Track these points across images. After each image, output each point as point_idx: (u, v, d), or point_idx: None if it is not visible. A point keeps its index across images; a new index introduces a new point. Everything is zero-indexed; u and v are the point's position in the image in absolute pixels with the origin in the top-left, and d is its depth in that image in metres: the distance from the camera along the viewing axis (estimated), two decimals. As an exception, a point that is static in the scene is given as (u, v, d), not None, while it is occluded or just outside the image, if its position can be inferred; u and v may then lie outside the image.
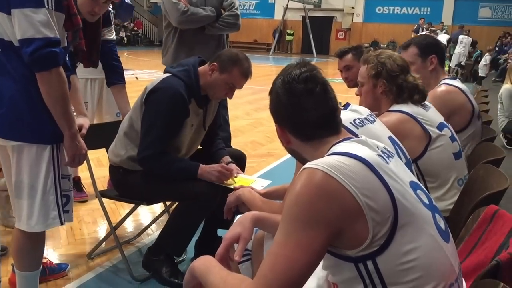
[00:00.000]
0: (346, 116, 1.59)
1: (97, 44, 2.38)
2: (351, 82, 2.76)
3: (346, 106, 1.79)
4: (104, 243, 2.71)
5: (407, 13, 23.41)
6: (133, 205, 2.63)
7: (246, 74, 2.33)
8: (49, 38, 1.65)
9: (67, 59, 1.88)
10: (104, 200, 2.52)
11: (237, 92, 2.43)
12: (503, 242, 1.31)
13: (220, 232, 2.66)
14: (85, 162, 2.05)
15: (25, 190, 1.81)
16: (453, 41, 14.85)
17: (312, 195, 1.04)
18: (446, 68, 14.95)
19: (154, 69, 12.72)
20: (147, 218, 3.23)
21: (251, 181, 2.35)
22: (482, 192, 1.65)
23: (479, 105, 3.64)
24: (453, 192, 2.06)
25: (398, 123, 1.97)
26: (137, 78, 10.07)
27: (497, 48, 16.22)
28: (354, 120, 1.67)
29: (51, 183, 1.83)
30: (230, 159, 2.51)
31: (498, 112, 5.81)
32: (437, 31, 15.84)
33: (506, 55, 13.90)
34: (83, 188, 3.49)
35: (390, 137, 1.72)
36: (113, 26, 2.76)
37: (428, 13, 22.13)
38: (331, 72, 12.94)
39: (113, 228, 2.52)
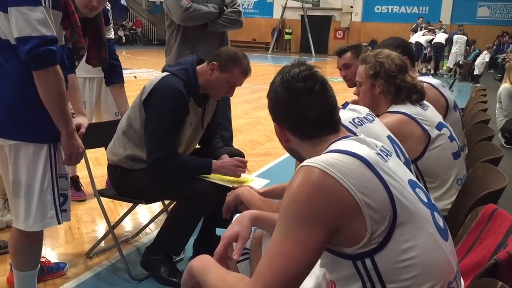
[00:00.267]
0: (345, 115, 1.59)
1: (103, 41, 2.37)
2: (350, 81, 2.75)
3: (345, 105, 1.79)
4: (102, 242, 2.71)
5: (406, 12, 23.42)
6: (132, 204, 2.63)
7: (246, 72, 2.34)
8: (46, 37, 1.65)
9: (64, 58, 1.87)
10: (103, 199, 2.52)
11: (235, 91, 2.43)
12: (501, 241, 1.31)
13: (218, 231, 2.66)
14: (83, 161, 2.05)
15: (23, 190, 1.80)
16: (449, 42, 14.83)
17: (309, 193, 1.04)
18: (445, 68, 14.99)
19: (152, 68, 12.72)
20: (145, 217, 3.22)
21: (249, 180, 2.36)
22: (480, 191, 1.65)
23: (477, 105, 3.66)
24: (453, 192, 2.06)
25: (398, 124, 1.96)
26: (135, 77, 10.06)
27: (494, 47, 16.24)
28: (353, 119, 1.67)
29: (49, 182, 1.82)
30: (228, 158, 2.51)
31: (496, 111, 5.81)
32: (435, 30, 15.87)
33: (504, 54, 13.91)
34: (82, 187, 3.49)
35: (389, 136, 1.72)
36: (111, 25, 2.76)
37: (427, 12, 22.15)
38: (329, 71, 12.95)
39: (112, 227, 2.52)
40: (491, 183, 1.69)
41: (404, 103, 2.07)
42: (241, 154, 2.73)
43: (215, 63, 2.32)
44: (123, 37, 23.40)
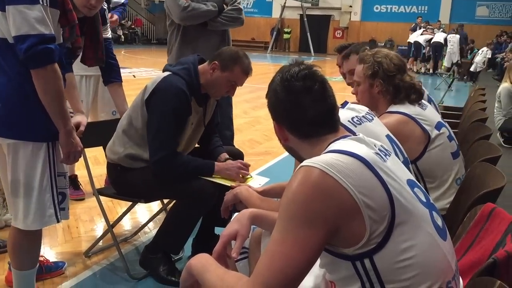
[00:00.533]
0: (344, 114, 1.59)
1: (100, 41, 2.37)
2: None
3: (344, 104, 1.79)
4: (101, 241, 2.70)
5: (405, 11, 23.42)
6: (131, 203, 2.63)
7: (247, 71, 2.35)
8: (44, 35, 1.64)
9: (62, 56, 1.87)
10: (101, 198, 2.52)
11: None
12: (500, 240, 1.32)
13: (217, 230, 2.65)
14: (82, 160, 2.05)
15: (21, 189, 1.80)
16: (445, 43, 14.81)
17: (309, 193, 1.04)
18: (443, 68, 14.99)
19: (151, 67, 12.71)
20: (144, 216, 3.22)
21: (249, 178, 2.36)
22: (479, 190, 1.65)
23: (476, 104, 3.66)
24: (452, 192, 2.06)
25: (398, 125, 1.96)
26: (134, 76, 10.05)
27: (492, 47, 16.25)
28: (352, 118, 1.66)
29: (47, 181, 1.82)
30: (227, 156, 2.51)
31: (495, 110, 5.82)
32: (434, 30, 15.87)
33: (503, 53, 13.92)
34: (80, 186, 3.49)
35: (387, 136, 1.72)
36: (108, 24, 2.75)
37: (426, 11, 22.15)
38: (328, 71, 12.95)
39: (110, 226, 2.52)
40: (489, 182, 1.70)
41: (403, 103, 2.07)
42: (240, 154, 2.73)
43: (216, 62, 2.32)
44: (122, 36, 23.37)
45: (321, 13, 24.73)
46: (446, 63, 14.86)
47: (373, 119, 1.76)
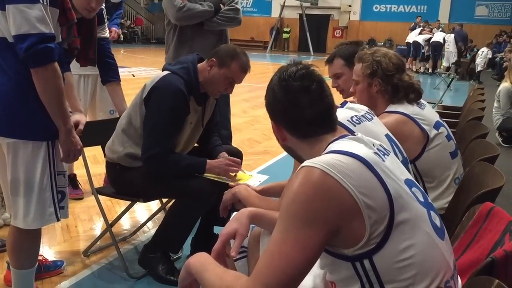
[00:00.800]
0: (343, 114, 1.59)
1: (93, 42, 2.37)
2: (344, 93, 2.41)
3: (343, 104, 1.79)
4: (100, 240, 2.70)
5: (404, 11, 23.42)
6: (129, 202, 2.63)
7: (245, 68, 2.34)
8: (44, 34, 1.64)
9: (61, 55, 1.87)
10: (100, 197, 2.51)
11: (234, 89, 2.43)
12: (498, 239, 1.32)
13: (216, 229, 2.65)
14: (81, 159, 2.05)
15: (22, 188, 1.80)
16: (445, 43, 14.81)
17: (309, 193, 1.04)
18: (442, 67, 15.00)
19: (151, 67, 12.70)
20: (143, 216, 3.22)
21: (248, 176, 2.35)
22: (477, 189, 1.65)
23: (475, 103, 3.66)
24: (450, 191, 2.06)
25: (397, 125, 1.96)
26: (133, 75, 10.05)
27: (492, 46, 16.25)
28: (351, 117, 1.66)
29: (47, 180, 1.82)
30: (226, 155, 2.51)
31: (493, 110, 5.83)
32: (433, 29, 15.88)
33: (502, 53, 13.93)
34: (79, 185, 3.48)
35: (387, 135, 1.72)
36: (106, 24, 2.75)
37: (425, 11, 22.15)
38: (327, 71, 12.90)
39: (109, 226, 2.52)
40: (488, 181, 1.70)
41: (402, 103, 2.07)
42: (239, 153, 2.73)
43: (213, 59, 2.32)
44: (121, 36, 23.32)
45: (320, 13, 24.73)
46: (445, 62, 14.88)
47: (372, 118, 1.76)
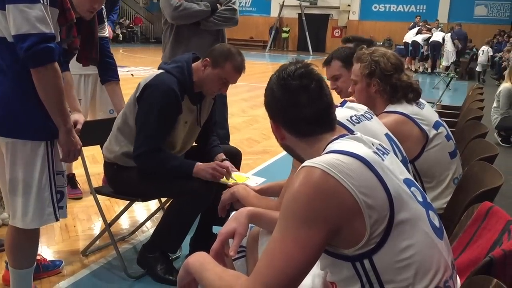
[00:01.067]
0: (342, 113, 1.59)
1: (95, 41, 2.37)
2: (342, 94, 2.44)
3: (343, 103, 1.78)
4: (98, 240, 2.70)
5: (403, 11, 23.42)
6: (128, 202, 2.63)
7: (239, 68, 2.31)
8: (44, 34, 1.64)
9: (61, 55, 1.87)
10: (99, 197, 2.51)
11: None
12: (497, 238, 1.32)
13: (215, 229, 2.65)
14: (80, 158, 2.05)
15: (20, 187, 1.80)
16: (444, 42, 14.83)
17: (310, 193, 1.04)
18: (442, 67, 15.01)
19: (150, 66, 12.67)
20: (142, 215, 3.22)
21: (245, 178, 2.35)
22: (476, 189, 1.65)
23: (474, 103, 3.67)
24: (449, 191, 2.06)
25: (396, 125, 1.95)
26: (132, 75, 10.03)
27: (492, 44, 16.25)
28: (351, 117, 1.66)
29: (46, 180, 1.82)
30: (224, 156, 2.51)
31: (492, 109, 5.84)
32: (432, 29, 15.88)
33: (501, 53, 13.93)
34: (78, 184, 3.48)
35: (386, 134, 1.72)
36: (105, 23, 2.75)
37: (424, 11, 22.15)
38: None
39: (108, 225, 2.51)
40: (487, 181, 1.70)
41: (401, 102, 2.07)
42: (238, 153, 2.73)
43: (207, 59, 2.31)
44: (120, 35, 23.31)
45: (319, 12, 24.72)
46: (444, 62, 14.89)
47: (372, 117, 1.75)
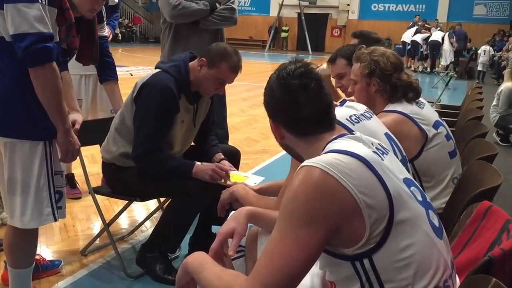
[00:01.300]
0: (342, 113, 1.58)
1: (95, 40, 2.37)
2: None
3: (343, 102, 1.78)
4: (97, 240, 2.70)
5: (402, 10, 23.42)
6: (127, 201, 2.62)
7: (235, 68, 2.30)
8: (43, 33, 1.64)
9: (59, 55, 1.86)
10: (98, 197, 2.51)
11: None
12: (496, 238, 1.32)
13: (214, 229, 2.65)
14: (78, 158, 2.04)
15: (18, 187, 1.79)
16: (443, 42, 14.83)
17: (310, 193, 1.04)
18: (441, 66, 15.01)
19: (149, 66, 12.65)
20: (141, 215, 3.22)
21: (244, 177, 2.35)
22: (475, 188, 1.65)
23: (473, 102, 3.67)
24: (448, 191, 2.06)
25: (395, 124, 1.95)
26: (131, 74, 10.02)
27: (492, 44, 16.25)
28: (350, 116, 1.66)
29: (44, 180, 1.82)
30: (222, 156, 2.50)
31: (491, 108, 5.84)
32: (431, 28, 15.89)
33: (500, 52, 13.94)
34: (77, 184, 3.48)
35: (386, 134, 1.72)
36: (105, 22, 2.75)
37: (423, 10, 22.15)
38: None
39: (107, 225, 2.51)
40: (486, 180, 1.70)
41: (400, 102, 2.06)
42: (236, 152, 2.72)
43: (203, 59, 2.30)
44: (119, 35, 23.29)
45: (318, 12, 24.72)
46: (443, 61, 14.90)
47: (371, 117, 1.75)
